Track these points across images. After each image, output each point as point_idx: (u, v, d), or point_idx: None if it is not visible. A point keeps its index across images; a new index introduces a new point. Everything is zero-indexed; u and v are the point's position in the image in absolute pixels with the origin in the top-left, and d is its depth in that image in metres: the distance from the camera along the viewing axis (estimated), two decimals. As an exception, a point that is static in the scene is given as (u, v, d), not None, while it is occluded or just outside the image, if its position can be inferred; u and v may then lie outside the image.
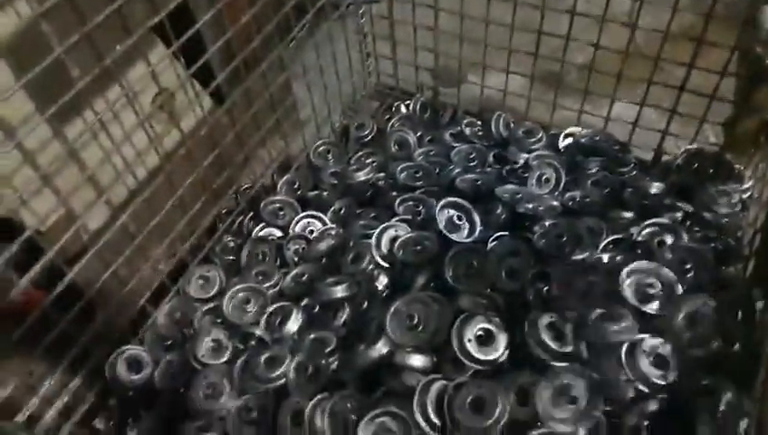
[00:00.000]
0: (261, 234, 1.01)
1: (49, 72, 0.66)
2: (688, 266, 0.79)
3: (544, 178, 1.02)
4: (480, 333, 0.72)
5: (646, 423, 0.64)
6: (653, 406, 0.64)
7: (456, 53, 1.16)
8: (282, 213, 1.04)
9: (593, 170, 1.02)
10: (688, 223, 0.91)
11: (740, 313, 0.72)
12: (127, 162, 0.83)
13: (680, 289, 0.73)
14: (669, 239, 0.83)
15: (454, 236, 0.86)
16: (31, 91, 0.73)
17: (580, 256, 0.81)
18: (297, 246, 0.98)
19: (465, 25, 1.10)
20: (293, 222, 1.01)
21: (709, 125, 1.01)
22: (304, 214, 1.03)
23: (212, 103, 0.99)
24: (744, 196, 0.95)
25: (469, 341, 0.71)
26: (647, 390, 0.65)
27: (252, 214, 1.04)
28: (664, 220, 0.86)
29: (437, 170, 1.06)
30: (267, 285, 0.89)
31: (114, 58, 0.73)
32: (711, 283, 0.77)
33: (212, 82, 0.90)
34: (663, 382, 0.65)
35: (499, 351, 0.71)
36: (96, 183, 0.83)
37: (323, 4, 1.10)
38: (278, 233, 1.02)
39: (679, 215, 0.92)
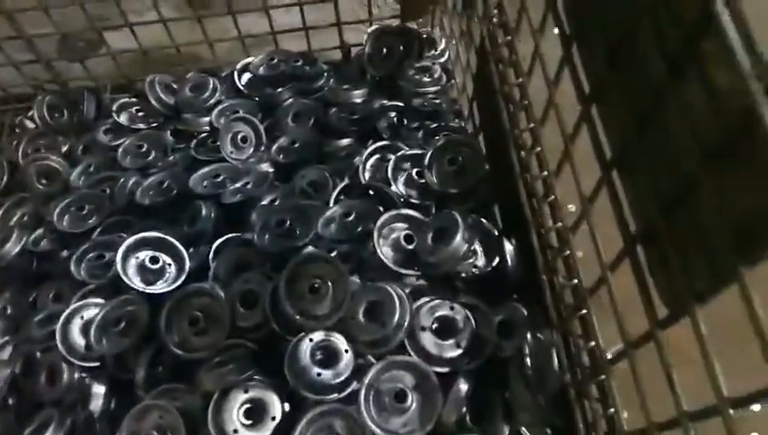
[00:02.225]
0: None
1: None
2: (428, 183, 0.68)
3: (240, 136, 0.81)
4: (247, 406, 0.54)
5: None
6: (464, 385, 0.53)
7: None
8: None
9: (288, 102, 0.85)
10: (405, 123, 0.79)
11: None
12: None
13: (430, 226, 0.61)
14: (395, 160, 0.70)
15: (158, 288, 0.63)
16: None
17: (315, 234, 0.64)
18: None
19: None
20: None
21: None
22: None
23: None
24: (443, 59, 0.86)
25: (235, 432, 0.53)
26: (447, 369, 0.54)
27: None
28: (384, 142, 0.73)
29: (108, 191, 0.79)
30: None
31: None
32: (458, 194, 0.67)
33: None
34: (459, 351, 0.55)
35: (274, 418, 0.54)
36: None
37: None
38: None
39: (393, 115, 0.80)
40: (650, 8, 0.36)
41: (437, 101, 0.80)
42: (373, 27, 0.87)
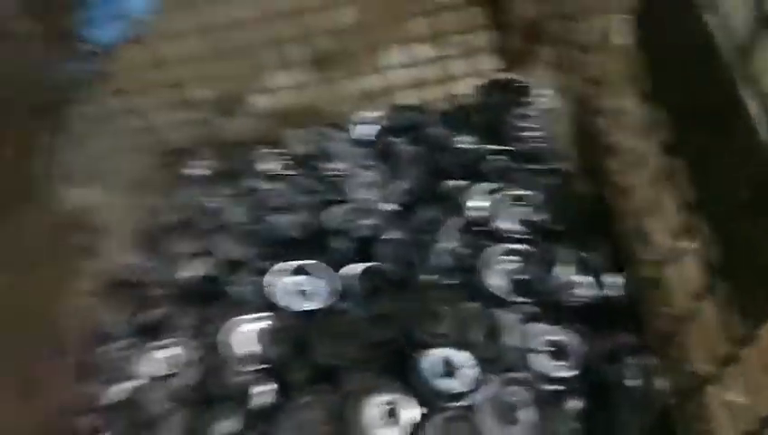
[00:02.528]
0: (115, 396, 0.87)
1: None
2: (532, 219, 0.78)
3: (366, 181, 0.96)
4: (386, 407, 0.66)
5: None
6: (574, 402, 0.62)
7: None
8: (127, 360, 0.89)
9: (406, 151, 0.98)
10: (513, 165, 0.89)
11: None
12: None
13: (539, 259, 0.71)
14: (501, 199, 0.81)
15: (306, 306, 0.78)
16: None
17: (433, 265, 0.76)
18: (161, 393, 0.85)
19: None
20: (146, 364, 0.87)
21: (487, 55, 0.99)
22: (149, 347, 0.89)
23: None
24: (544, 107, 0.95)
25: (376, 430, 0.65)
26: (562, 387, 0.63)
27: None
28: (492, 185, 0.84)
29: (260, 227, 0.96)
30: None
31: None
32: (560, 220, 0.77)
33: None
34: (569, 374, 0.64)
35: (409, 420, 0.65)
36: None
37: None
38: (130, 385, 0.88)
39: (500, 158, 0.90)
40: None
41: (540, 145, 0.90)
42: (479, 80, 1.00)
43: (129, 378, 0.87)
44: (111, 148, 1.09)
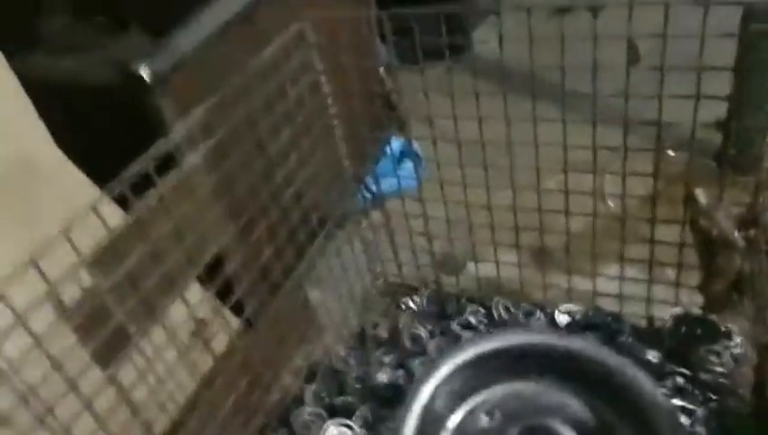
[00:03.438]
0: (292, 448, 1.07)
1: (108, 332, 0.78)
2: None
3: (550, 355, 1.10)
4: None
5: None
6: None
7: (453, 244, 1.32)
8: (312, 425, 1.10)
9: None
10: (689, 386, 0.97)
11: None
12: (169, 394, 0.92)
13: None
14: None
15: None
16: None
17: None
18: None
19: (456, 214, 1.26)
20: (322, 433, 1.08)
21: (690, 291, 1.12)
22: (332, 422, 1.09)
23: (241, 327, 1.12)
24: (735, 352, 1.03)
25: None
26: None
27: (285, 429, 1.11)
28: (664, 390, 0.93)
29: (450, 361, 1.15)
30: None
31: (160, 308, 0.86)
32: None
33: (240, 307, 1.03)
34: None
35: None
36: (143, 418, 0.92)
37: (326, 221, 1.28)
38: (307, 446, 1.08)
39: (680, 380, 0.99)
40: None
41: (720, 381, 0.97)
42: (677, 311, 1.12)
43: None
44: (353, 267, 1.40)
